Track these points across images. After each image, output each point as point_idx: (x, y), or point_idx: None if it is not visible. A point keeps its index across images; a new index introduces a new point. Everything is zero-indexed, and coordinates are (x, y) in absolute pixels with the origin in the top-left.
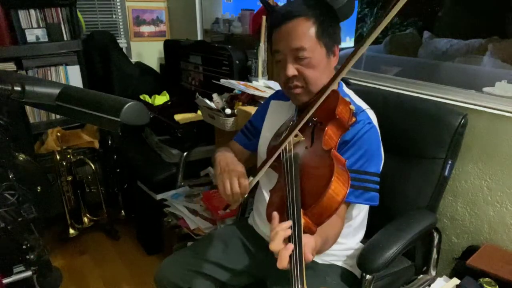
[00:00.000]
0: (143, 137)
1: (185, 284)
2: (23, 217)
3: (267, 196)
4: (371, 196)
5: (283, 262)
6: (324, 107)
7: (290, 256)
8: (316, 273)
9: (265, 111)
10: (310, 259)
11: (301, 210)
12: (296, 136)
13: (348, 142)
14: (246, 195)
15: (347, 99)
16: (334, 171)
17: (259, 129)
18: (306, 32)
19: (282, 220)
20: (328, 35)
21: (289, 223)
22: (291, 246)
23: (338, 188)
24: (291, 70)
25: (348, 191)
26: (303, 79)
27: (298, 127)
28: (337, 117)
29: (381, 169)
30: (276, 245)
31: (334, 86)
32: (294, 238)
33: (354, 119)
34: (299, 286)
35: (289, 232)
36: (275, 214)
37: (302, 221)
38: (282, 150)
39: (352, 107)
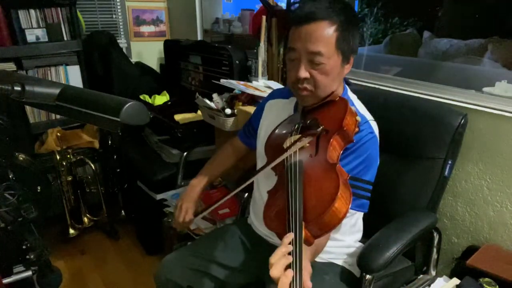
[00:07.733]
0: (143, 137)
1: (185, 282)
2: (23, 217)
3: (264, 196)
4: (362, 203)
5: None
6: (332, 115)
7: (290, 284)
8: (314, 272)
9: (261, 112)
10: (310, 286)
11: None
12: (300, 140)
13: (348, 149)
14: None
15: (354, 108)
16: (339, 188)
17: (256, 129)
18: (327, 37)
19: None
20: (347, 44)
21: (290, 247)
22: (290, 273)
23: (341, 206)
24: (303, 73)
25: (349, 207)
26: (313, 84)
27: (303, 143)
28: (344, 128)
29: (374, 178)
30: (277, 272)
31: (340, 92)
32: (294, 260)
33: (357, 129)
34: None
35: (290, 259)
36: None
37: (303, 234)
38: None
39: (358, 118)
